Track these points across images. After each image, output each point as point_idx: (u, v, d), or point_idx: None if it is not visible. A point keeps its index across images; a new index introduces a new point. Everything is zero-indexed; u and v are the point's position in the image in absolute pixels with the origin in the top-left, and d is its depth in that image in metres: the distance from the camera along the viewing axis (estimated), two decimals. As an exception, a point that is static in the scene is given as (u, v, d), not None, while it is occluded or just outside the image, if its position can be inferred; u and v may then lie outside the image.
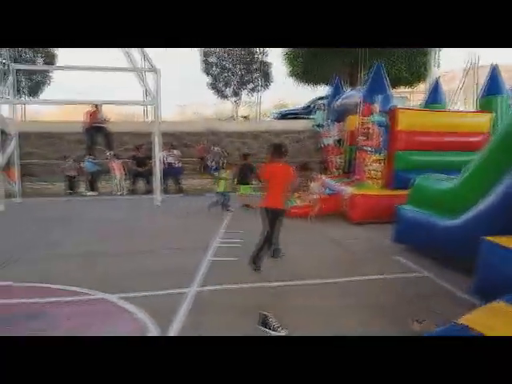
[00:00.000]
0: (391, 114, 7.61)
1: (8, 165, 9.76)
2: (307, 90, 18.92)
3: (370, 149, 7.62)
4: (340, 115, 10.02)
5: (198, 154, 12.77)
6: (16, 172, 10.07)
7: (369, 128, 7.63)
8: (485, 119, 7.97)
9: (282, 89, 20.95)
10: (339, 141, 10.23)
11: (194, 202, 10.11)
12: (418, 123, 7.69)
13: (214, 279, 4.73)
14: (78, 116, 14.28)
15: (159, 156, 10.33)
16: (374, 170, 7.62)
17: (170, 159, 11.94)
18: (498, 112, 8.05)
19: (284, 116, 18.47)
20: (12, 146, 9.77)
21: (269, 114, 21.74)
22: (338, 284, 4.67)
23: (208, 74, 18.65)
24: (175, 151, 12.46)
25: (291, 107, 22.14)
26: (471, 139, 7.81)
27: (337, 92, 10.64)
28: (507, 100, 8.09)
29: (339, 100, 9.83)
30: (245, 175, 9.18)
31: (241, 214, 8.51)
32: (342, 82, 10.77)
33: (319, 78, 16.35)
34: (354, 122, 9.40)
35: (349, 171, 9.52)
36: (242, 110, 24.54)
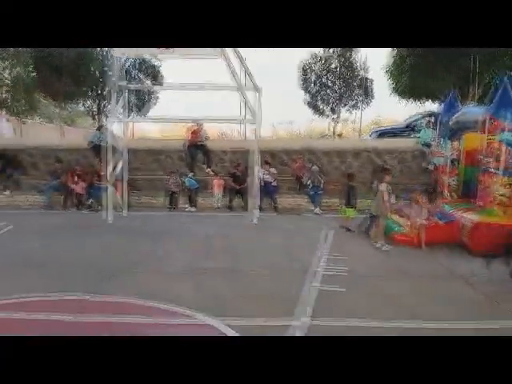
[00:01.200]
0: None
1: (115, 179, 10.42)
2: (410, 106, 17.93)
3: (497, 171, 6.70)
4: (455, 133, 9.12)
5: (295, 173, 12.53)
6: (124, 186, 10.69)
7: (496, 148, 6.73)
8: None
9: (381, 106, 20.11)
10: (453, 161, 9.30)
11: (290, 222, 9.84)
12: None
13: (325, 311, 4.34)
14: (180, 133, 15.04)
15: (257, 174, 10.29)
16: (502, 195, 6.67)
17: (267, 177, 11.84)
18: None
19: (381, 135, 17.54)
20: (122, 161, 10.42)
21: (368, 132, 20.96)
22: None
23: (306, 91, 18.55)
24: (272, 169, 12.36)
25: (388, 125, 21.07)
26: None
27: (451, 108, 9.73)
28: None
29: (455, 116, 8.95)
30: (349, 197, 8.68)
31: (343, 237, 8.02)
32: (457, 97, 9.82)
33: (426, 93, 15.31)
34: (473, 140, 8.52)
35: (465, 195, 8.57)
36: (339, 128, 24.06)
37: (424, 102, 17.34)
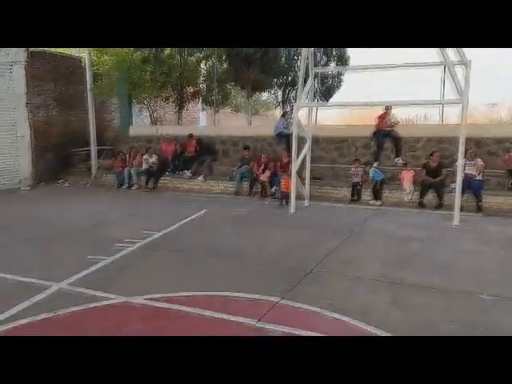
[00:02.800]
0: None
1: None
2: None
3: None
4: None
5: (506, 166, 10.31)
6: (307, 175, 10.44)
7: None
8: None
9: None
10: None
11: (502, 226, 8.06)
12: None
13: None
14: (365, 120, 14.09)
15: (460, 165, 8.72)
16: None
17: (470, 170, 10.03)
18: None
19: None
20: (305, 149, 10.16)
21: None
22: None
23: None
24: (478, 160, 10.44)
25: None
26: None
27: None
28: None
29: None
30: None
31: None
32: None
33: None
34: None
35: None
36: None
37: None
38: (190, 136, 13.55)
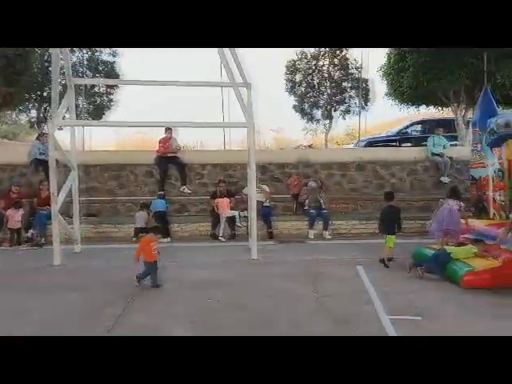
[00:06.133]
0: None
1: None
2: (409, 111, 16.61)
3: None
4: (501, 138, 7.65)
5: (291, 191, 10.69)
6: (76, 210, 8.39)
7: None
8: None
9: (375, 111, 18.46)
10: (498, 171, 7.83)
11: (299, 254, 7.96)
12: None
13: None
14: (146, 145, 12.87)
15: (249, 192, 8.36)
16: None
17: (259, 196, 9.90)
18: None
19: (371, 144, 16.19)
20: (70, 179, 8.12)
21: (354, 142, 19.57)
22: None
23: (292, 93, 16.66)
24: (264, 186, 10.46)
25: (376, 133, 19.82)
26: None
27: (488, 107, 8.28)
28: None
29: (503, 118, 7.48)
30: (390, 222, 6.99)
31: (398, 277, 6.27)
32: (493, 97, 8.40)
33: (427, 95, 14.00)
34: None
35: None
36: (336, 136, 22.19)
37: (419, 107, 16.11)
38: None
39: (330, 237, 9.52)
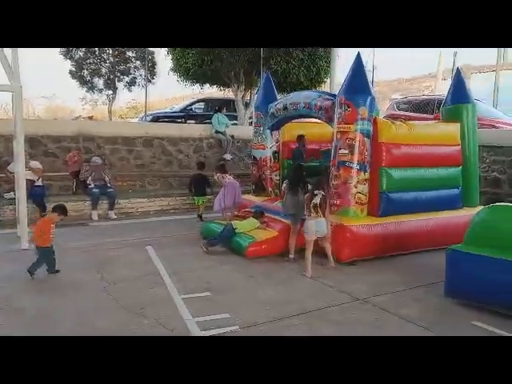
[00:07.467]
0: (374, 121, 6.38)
1: None
2: (194, 88, 16.82)
3: (355, 165, 6.20)
4: (280, 122, 8.45)
5: (70, 168, 9.60)
6: None
7: (352, 139, 6.22)
8: (455, 129, 7.38)
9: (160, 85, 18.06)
10: (275, 153, 8.68)
11: (79, 238, 7.24)
12: (400, 134, 6.62)
13: None
14: None
15: (16, 169, 7.16)
16: (360, 192, 6.22)
17: (28, 174, 8.55)
18: (464, 122, 7.50)
19: (158, 119, 16.07)
20: None
21: (138, 116, 18.88)
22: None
23: (68, 57, 14.72)
24: (33, 162, 9.07)
25: (160, 109, 19.72)
26: (448, 152, 7.17)
27: (269, 92, 9.00)
28: (474, 109, 7.59)
29: (281, 103, 8.22)
30: (200, 186, 9.06)
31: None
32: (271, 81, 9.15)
33: (213, 75, 14.45)
34: (291, 130, 8.61)
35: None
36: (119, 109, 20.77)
37: (203, 85, 16.58)
38: None
39: (115, 217, 8.98)
